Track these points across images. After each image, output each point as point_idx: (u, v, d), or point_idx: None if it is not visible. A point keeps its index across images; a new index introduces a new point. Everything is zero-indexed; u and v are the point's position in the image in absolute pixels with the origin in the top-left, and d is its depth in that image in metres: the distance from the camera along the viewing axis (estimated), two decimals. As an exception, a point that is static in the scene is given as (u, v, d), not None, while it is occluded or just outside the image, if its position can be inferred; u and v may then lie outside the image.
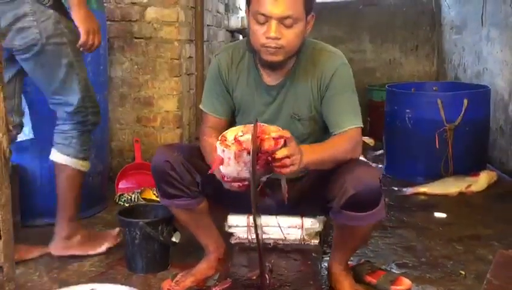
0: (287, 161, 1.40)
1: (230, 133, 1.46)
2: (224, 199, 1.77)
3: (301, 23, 1.57)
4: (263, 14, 1.53)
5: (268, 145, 1.40)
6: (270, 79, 1.72)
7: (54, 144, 2.11)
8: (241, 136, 1.44)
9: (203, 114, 1.81)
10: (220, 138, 1.46)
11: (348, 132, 1.64)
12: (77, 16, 1.91)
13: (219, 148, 1.42)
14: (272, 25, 1.53)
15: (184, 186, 1.71)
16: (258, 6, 1.54)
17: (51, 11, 1.91)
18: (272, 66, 1.66)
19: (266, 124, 1.47)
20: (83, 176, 2.14)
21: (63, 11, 1.94)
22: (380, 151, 3.86)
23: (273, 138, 1.40)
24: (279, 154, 1.39)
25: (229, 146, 1.42)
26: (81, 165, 2.11)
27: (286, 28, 1.55)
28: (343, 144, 1.62)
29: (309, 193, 1.73)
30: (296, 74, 1.70)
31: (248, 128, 1.45)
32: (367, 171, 1.61)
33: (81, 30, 1.92)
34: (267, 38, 1.55)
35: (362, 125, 1.68)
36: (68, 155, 2.08)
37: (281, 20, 1.53)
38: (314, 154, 1.53)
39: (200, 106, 1.82)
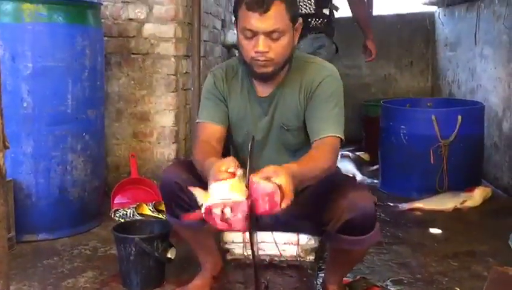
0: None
1: (213, 198, 1.29)
2: None
3: (288, 34, 1.60)
4: (250, 30, 1.57)
5: (263, 208, 1.29)
6: (262, 91, 1.74)
7: None
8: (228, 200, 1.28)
9: (198, 128, 1.79)
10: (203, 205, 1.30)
11: (326, 142, 1.62)
12: (371, 42, 3.30)
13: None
14: (260, 40, 1.56)
15: (192, 208, 1.68)
16: (244, 22, 1.57)
17: (334, 46, 3.06)
18: (264, 78, 1.68)
19: (256, 180, 1.29)
20: None
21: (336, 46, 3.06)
22: (375, 167, 3.87)
23: (268, 195, 1.28)
24: (282, 206, 1.31)
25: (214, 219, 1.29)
26: None
27: (273, 41, 1.58)
28: (322, 161, 1.57)
29: (303, 213, 1.71)
30: (286, 85, 1.72)
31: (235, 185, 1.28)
32: (361, 195, 1.60)
33: (373, 52, 3.33)
34: (256, 52, 1.58)
35: (342, 137, 1.65)
36: None
37: (268, 34, 1.57)
38: (297, 171, 1.44)
39: (197, 120, 1.82)
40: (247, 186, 1.31)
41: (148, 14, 3.13)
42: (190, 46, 3.27)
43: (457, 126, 3.24)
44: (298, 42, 2.62)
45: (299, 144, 1.76)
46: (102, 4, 2.87)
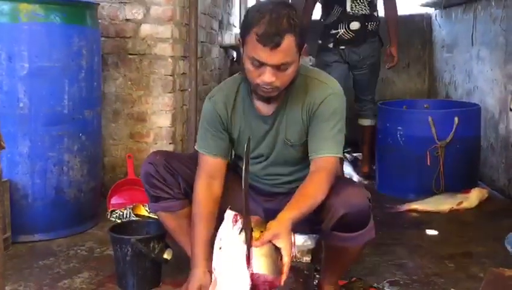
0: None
1: None
2: None
3: (295, 63, 1.59)
4: (258, 61, 1.54)
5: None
6: (264, 109, 1.73)
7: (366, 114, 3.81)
8: None
9: (199, 157, 1.80)
10: None
11: (323, 163, 1.64)
12: (396, 48, 3.70)
13: None
14: (267, 71, 1.54)
15: (166, 187, 1.80)
16: (253, 52, 1.54)
17: (380, 42, 3.67)
18: (267, 100, 1.68)
19: (257, 270, 1.40)
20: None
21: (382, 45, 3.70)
22: (372, 167, 3.88)
23: (269, 283, 1.39)
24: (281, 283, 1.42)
25: None
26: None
27: (280, 71, 1.56)
28: (320, 195, 1.58)
29: None
30: (289, 102, 1.72)
31: None
32: (355, 192, 1.62)
33: (396, 58, 3.75)
34: (262, 81, 1.56)
35: (341, 156, 1.68)
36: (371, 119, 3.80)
37: (276, 67, 1.54)
38: (296, 217, 1.51)
39: (195, 147, 1.84)
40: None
41: (145, 14, 3.13)
42: (187, 47, 3.27)
43: (454, 128, 3.25)
44: (357, 47, 3.58)
45: (301, 158, 1.77)
46: (99, 4, 2.86)
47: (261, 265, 1.39)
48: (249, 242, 1.40)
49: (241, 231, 1.41)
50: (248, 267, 1.38)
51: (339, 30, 3.56)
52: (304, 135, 1.73)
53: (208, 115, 1.77)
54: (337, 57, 3.63)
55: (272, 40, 1.49)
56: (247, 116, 1.75)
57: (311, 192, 1.59)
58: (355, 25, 3.52)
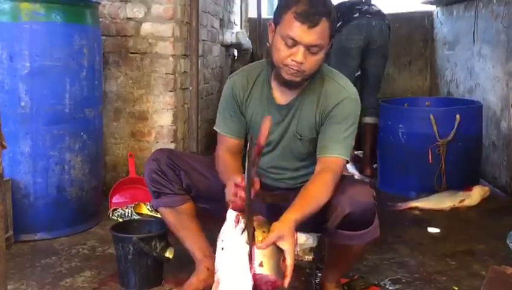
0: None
1: None
2: (210, 202, 1.84)
3: (324, 50, 1.62)
4: (293, 39, 1.57)
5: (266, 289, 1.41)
6: (281, 98, 1.75)
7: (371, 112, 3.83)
8: None
9: (218, 137, 1.85)
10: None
11: (330, 164, 1.65)
12: None
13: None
14: (299, 51, 1.57)
15: (167, 182, 1.81)
16: (289, 30, 1.57)
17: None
18: (288, 85, 1.69)
19: (259, 271, 1.39)
20: None
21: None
22: (374, 166, 3.88)
23: (271, 283, 1.39)
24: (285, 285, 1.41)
25: None
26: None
27: (311, 54, 1.59)
28: (324, 197, 1.59)
29: None
30: (305, 96, 1.73)
31: None
32: (361, 190, 1.62)
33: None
34: (292, 60, 1.59)
35: (348, 159, 1.70)
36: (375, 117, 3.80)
37: (309, 47, 1.58)
38: (300, 218, 1.50)
39: (214, 128, 1.87)
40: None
41: (146, 13, 3.13)
42: (188, 46, 3.27)
43: (456, 125, 3.25)
44: (380, 20, 3.75)
45: (307, 154, 1.79)
46: (100, 3, 2.86)
47: (264, 266, 1.39)
48: (251, 242, 1.39)
49: (243, 231, 1.41)
50: (251, 268, 1.38)
51: (362, 6, 3.80)
52: (314, 131, 1.74)
53: (227, 94, 1.81)
54: (357, 38, 3.70)
55: (310, 20, 1.54)
56: (263, 102, 1.77)
57: (316, 193, 1.59)
58: (375, 7, 3.84)
